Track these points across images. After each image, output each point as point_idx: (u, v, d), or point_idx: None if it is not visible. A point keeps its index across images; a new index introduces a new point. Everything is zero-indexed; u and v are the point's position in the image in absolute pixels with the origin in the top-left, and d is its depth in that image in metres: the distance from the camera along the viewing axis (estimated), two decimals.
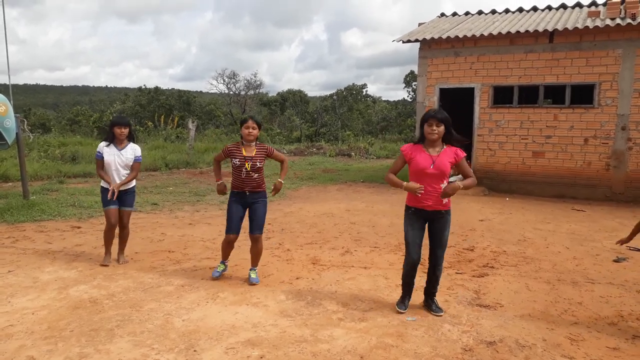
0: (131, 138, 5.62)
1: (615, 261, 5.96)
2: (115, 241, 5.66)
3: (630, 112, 10.51)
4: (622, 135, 10.64)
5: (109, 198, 5.37)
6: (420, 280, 4.87)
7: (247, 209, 4.96)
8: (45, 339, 3.65)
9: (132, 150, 5.56)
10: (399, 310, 4.29)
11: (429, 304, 4.34)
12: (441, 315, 4.18)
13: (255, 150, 4.85)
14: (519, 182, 11.57)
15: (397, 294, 4.67)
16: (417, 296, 4.64)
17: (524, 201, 10.59)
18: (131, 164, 5.53)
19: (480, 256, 6.13)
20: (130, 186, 5.62)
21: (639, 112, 10.45)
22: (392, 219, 8.31)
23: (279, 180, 4.98)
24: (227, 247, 5.09)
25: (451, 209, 4.23)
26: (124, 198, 5.57)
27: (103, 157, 5.44)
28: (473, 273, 5.42)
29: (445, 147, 4.11)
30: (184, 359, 3.38)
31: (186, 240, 6.74)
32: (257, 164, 4.81)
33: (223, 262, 5.21)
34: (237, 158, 4.81)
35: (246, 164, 4.77)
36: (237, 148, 4.87)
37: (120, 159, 5.46)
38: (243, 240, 6.67)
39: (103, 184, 5.52)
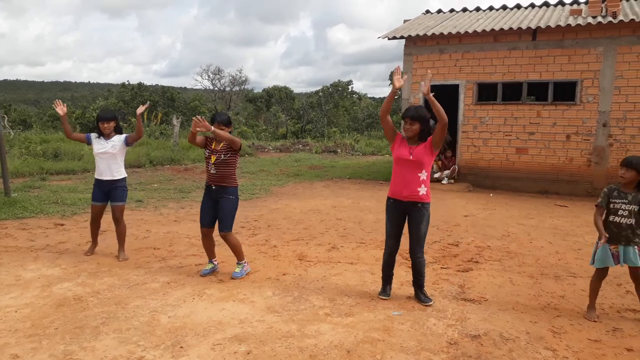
0: (118, 131, 5.71)
1: None
2: (110, 235, 5.87)
3: (611, 109, 10.70)
4: (603, 131, 10.82)
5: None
6: (408, 275, 4.92)
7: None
8: (29, 337, 3.61)
9: (118, 138, 5.67)
10: (381, 297, 4.45)
11: (418, 295, 4.41)
12: (430, 305, 4.24)
13: (222, 143, 4.92)
14: (503, 178, 11.71)
15: None
16: (403, 290, 4.68)
17: (507, 197, 10.73)
18: (116, 151, 5.61)
19: (465, 251, 6.20)
20: (118, 178, 5.67)
21: (619, 109, 10.64)
22: (378, 215, 8.35)
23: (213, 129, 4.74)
24: (206, 242, 5.11)
25: (430, 203, 4.28)
26: (114, 193, 5.64)
27: (90, 140, 5.63)
28: (458, 268, 5.48)
29: (424, 141, 4.22)
30: (170, 355, 3.37)
31: (171, 237, 6.70)
32: (222, 156, 4.87)
33: (211, 261, 5.20)
34: (208, 149, 4.96)
35: (212, 157, 4.89)
36: (210, 140, 5.01)
37: (105, 147, 5.58)
38: None
39: (96, 175, 5.68)
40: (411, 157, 4.14)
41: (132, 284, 4.77)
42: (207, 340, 3.60)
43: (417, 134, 4.17)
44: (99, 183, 5.66)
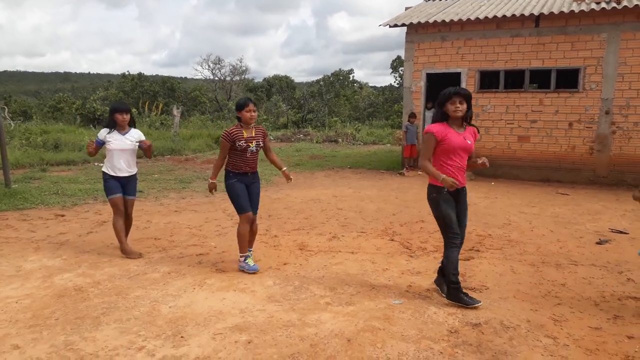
0: (132, 123, 5.46)
1: (598, 243, 6.06)
2: (111, 225, 5.59)
3: (614, 97, 10.61)
4: (606, 119, 10.75)
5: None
6: (408, 263, 4.91)
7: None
8: (30, 328, 3.61)
9: (137, 135, 5.42)
10: (476, 305, 4.01)
11: (443, 283, 4.27)
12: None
13: (254, 131, 4.90)
14: (505, 166, 11.66)
15: (384, 277, 4.71)
16: (404, 279, 4.68)
17: (509, 185, 10.69)
18: (136, 148, 5.38)
19: (466, 240, 6.09)
20: (134, 172, 5.47)
21: (622, 96, 10.55)
22: (379, 204, 8.34)
23: (284, 169, 5.13)
24: (248, 230, 4.94)
25: None
26: (128, 186, 5.44)
27: (103, 144, 5.26)
28: (459, 256, 5.45)
29: (465, 125, 4.08)
30: (171, 345, 3.37)
31: (172, 227, 6.70)
32: (260, 142, 4.91)
33: (250, 250, 5.06)
34: (241, 140, 4.78)
35: (251, 144, 4.82)
36: (239, 131, 4.82)
37: (124, 143, 5.30)
38: (230, 226, 6.65)
39: (106, 169, 5.34)
40: (469, 142, 4.02)
41: (132, 274, 4.77)
42: (208, 329, 3.60)
43: (464, 114, 3.99)
44: (116, 178, 5.33)
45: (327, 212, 7.72)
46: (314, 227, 6.78)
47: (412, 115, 12.32)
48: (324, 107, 37.99)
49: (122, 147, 5.28)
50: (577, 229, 6.84)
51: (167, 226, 6.75)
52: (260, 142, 4.90)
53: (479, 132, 4.14)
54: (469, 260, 5.34)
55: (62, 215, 7.31)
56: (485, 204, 8.58)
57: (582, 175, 11.04)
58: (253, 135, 4.86)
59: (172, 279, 4.67)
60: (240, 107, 4.80)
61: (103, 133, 5.30)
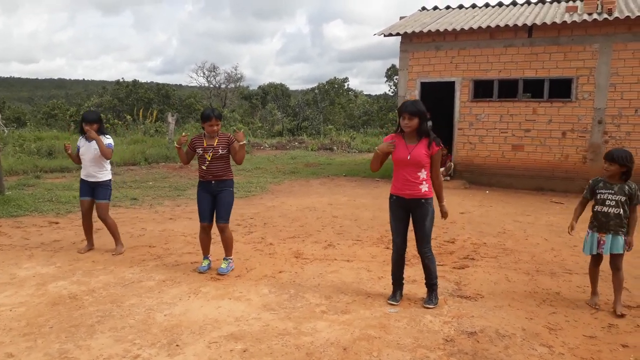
0: (101, 132, 5.69)
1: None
2: (104, 232, 6.00)
3: (606, 106, 10.72)
4: (599, 128, 10.85)
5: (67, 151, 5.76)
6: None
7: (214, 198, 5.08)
8: (24, 336, 3.59)
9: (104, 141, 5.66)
10: (390, 302, 4.29)
11: (427, 295, 4.33)
12: (430, 308, 4.18)
13: (217, 139, 4.97)
14: (499, 175, 11.72)
15: (380, 286, 4.71)
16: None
17: (503, 194, 10.75)
18: (98, 154, 5.63)
19: (461, 248, 6.20)
20: (103, 179, 5.71)
21: (615, 106, 10.66)
22: (375, 212, 8.36)
23: (240, 132, 5.09)
24: (204, 237, 5.16)
25: (433, 198, 4.21)
26: (96, 191, 5.72)
27: (79, 150, 5.77)
28: (454, 265, 5.48)
29: (423, 139, 4.10)
30: (166, 353, 3.36)
31: (167, 235, 6.68)
32: (220, 151, 4.93)
33: (206, 257, 5.20)
34: (199, 148, 4.99)
35: (205, 155, 4.92)
36: (199, 139, 5.05)
37: (89, 150, 5.64)
38: None
39: (82, 175, 5.77)
40: (409, 158, 4.07)
41: (127, 282, 4.75)
42: (203, 338, 3.59)
43: (415, 129, 4.06)
44: (84, 181, 5.76)
45: (323, 220, 7.73)
46: (310, 235, 6.78)
47: None
48: (319, 115, 38.11)
49: (85, 153, 5.67)
50: (571, 237, 6.83)
51: (162, 234, 6.73)
52: (220, 151, 4.93)
53: (439, 145, 4.10)
54: (463, 268, 5.36)
55: (56, 223, 7.27)
56: (479, 212, 8.62)
57: (575, 184, 11.10)
58: (214, 144, 4.94)
59: (167, 287, 4.65)
60: (203, 120, 4.95)
61: (80, 139, 5.80)
